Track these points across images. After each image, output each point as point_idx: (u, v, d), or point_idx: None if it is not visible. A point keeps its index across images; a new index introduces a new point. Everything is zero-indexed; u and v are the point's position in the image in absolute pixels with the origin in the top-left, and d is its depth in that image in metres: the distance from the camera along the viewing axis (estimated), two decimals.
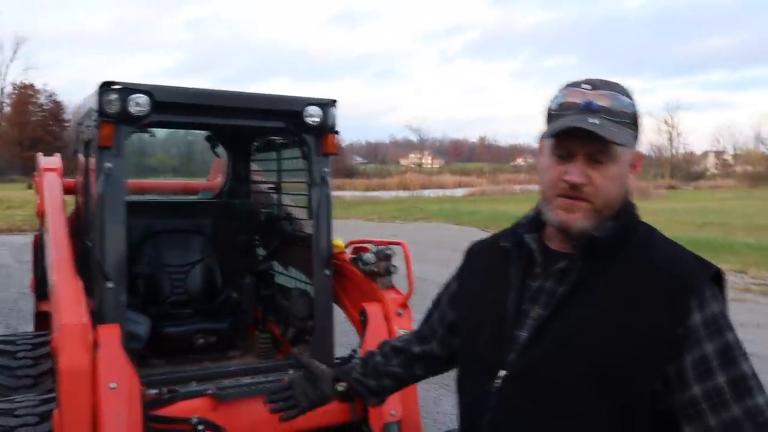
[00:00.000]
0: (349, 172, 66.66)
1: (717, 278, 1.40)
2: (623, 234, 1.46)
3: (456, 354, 1.72)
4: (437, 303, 1.89)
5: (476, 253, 1.77)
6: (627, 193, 1.50)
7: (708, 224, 22.71)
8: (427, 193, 45.38)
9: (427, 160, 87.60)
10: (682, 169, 72.70)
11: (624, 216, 1.49)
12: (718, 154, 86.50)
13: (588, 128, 1.37)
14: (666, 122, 74.21)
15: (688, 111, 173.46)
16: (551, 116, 1.48)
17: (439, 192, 45.66)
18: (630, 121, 1.43)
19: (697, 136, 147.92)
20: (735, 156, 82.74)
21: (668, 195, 44.97)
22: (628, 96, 1.45)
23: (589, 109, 1.41)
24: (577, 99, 1.43)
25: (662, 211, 29.78)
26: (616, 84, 1.47)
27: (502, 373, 1.46)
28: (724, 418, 1.30)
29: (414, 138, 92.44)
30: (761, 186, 56.77)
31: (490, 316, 1.55)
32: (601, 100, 1.42)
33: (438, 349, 1.87)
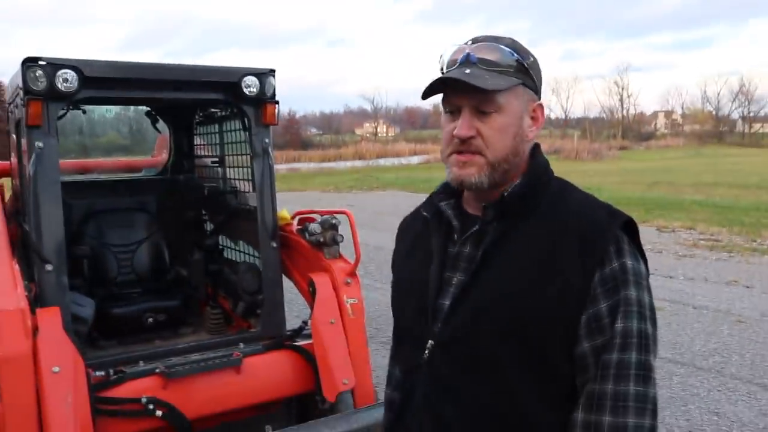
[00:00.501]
0: (305, 144, 66.15)
1: (627, 227, 1.40)
2: (533, 191, 1.45)
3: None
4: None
5: (405, 227, 1.75)
6: (524, 148, 1.48)
7: (658, 183, 23.23)
8: (383, 162, 45.38)
9: (382, 129, 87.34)
10: (633, 130, 73.94)
11: (532, 172, 1.48)
12: (668, 114, 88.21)
13: (458, 77, 1.37)
14: (616, 84, 75.34)
15: (638, 72, 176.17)
16: (441, 74, 1.48)
17: (395, 161, 45.72)
18: (513, 69, 1.42)
19: (647, 97, 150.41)
20: (683, 116, 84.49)
21: (621, 155, 45.82)
22: (515, 48, 1.44)
23: (467, 61, 1.41)
24: (457, 55, 1.44)
25: (614, 172, 30.38)
26: (504, 38, 1.47)
27: (430, 343, 1.46)
28: (602, 372, 1.32)
29: (368, 107, 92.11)
30: (708, 144, 58.27)
31: (415, 288, 1.53)
32: (480, 52, 1.42)
33: None
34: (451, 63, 1.44)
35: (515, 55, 1.42)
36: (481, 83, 1.36)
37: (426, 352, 1.46)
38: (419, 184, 24.50)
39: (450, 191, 1.55)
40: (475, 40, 1.46)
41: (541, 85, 1.49)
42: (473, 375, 1.40)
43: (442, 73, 1.47)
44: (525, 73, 1.43)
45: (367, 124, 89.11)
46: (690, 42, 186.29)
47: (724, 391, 5.32)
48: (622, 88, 75.22)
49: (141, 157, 6.63)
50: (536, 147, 1.54)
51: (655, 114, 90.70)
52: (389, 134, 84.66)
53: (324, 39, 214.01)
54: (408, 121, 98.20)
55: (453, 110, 1.44)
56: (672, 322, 7.20)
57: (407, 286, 1.60)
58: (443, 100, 1.46)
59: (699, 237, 12.55)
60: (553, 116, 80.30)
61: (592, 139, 58.19)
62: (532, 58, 1.46)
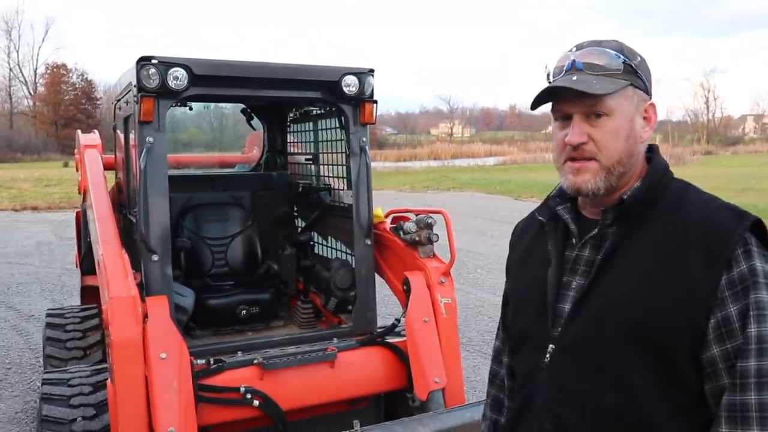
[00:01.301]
0: (380, 144, 66.50)
1: (755, 228, 1.35)
2: (652, 193, 1.43)
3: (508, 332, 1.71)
4: (506, 299, 1.79)
5: (519, 232, 1.75)
6: (639, 150, 1.45)
7: (747, 190, 22.23)
8: (458, 162, 45.16)
9: (458, 130, 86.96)
10: (719, 134, 71.07)
11: (652, 174, 1.45)
12: (757, 117, 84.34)
13: (564, 84, 1.38)
14: (702, 86, 72.56)
15: (726, 74, 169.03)
16: (549, 84, 1.47)
17: (470, 161, 45.40)
18: (620, 71, 1.40)
19: (735, 100, 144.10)
20: None
21: (705, 160, 44.11)
22: (620, 50, 1.43)
23: (573, 68, 1.41)
24: (563, 62, 1.44)
25: (699, 178, 29.10)
26: (608, 41, 1.45)
27: (551, 347, 1.45)
28: (742, 381, 1.28)
29: (444, 107, 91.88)
30: None
31: (534, 292, 1.53)
32: (585, 57, 1.41)
33: None
34: (557, 71, 1.45)
35: (621, 57, 1.41)
36: (588, 88, 1.36)
37: (547, 356, 1.46)
38: (496, 186, 24.28)
39: (566, 195, 1.54)
40: (579, 47, 1.46)
41: (651, 84, 1.47)
42: (596, 379, 1.38)
43: (549, 82, 1.47)
44: (633, 74, 1.42)
45: (443, 125, 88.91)
46: None
47: None
48: (708, 90, 72.43)
49: (228, 153, 6.82)
50: (654, 148, 1.51)
51: (743, 117, 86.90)
52: (464, 135, 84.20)
53: (403, 39, 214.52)
54: (484, 121, 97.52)
55: (563, 118, 1.44)
56: None
57: (525, 289, 1.59)
58: (552, 108, 1.46)
59: None
60: None
61: (675, 144, 56.26)
62: (639, 58, 1.44)
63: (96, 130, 5.81)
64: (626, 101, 1.41)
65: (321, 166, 4.59)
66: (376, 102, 3.72)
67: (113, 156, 4.93)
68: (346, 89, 3.60)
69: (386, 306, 5.90)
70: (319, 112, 4.50)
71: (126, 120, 3.87)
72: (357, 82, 3.61)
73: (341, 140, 4.00)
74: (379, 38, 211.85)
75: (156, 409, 2.85)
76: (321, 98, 3.75)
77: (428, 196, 21.75)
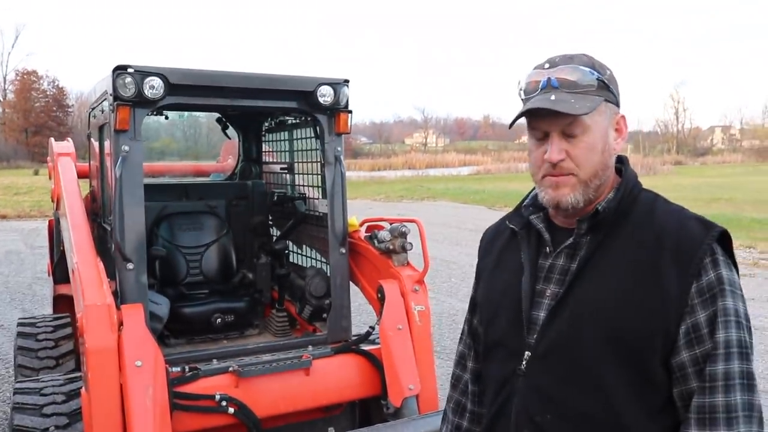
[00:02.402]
0: (355, 153, 66.55)
1: (722, 237, 1.41)
2: (624, 204, 1.48)
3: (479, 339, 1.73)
4: (473, 307, 1.84)
5: (489, 238, 1.77)
6: (612, 162, 1.51)
7: (716, 200, 22.67)
8: (432, 172, 45.37)
9: (432, 140, 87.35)
10: (689, 145, 72.27)
11: (624, 186, 1.51)
12: (725, 129, 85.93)
13: (544, 106, 1.41)
14: (672, 97, 73.84)
15: (694, 86, 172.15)
16: (522, 101, 1.51)
17: (445, 171, 45.66)
18: (594, 87, 1.44)
19: (704, 111, 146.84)
20: (742, 131, 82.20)
21: (675, 170, 44.84)
22: (591, 65, 1.46)
23: (549, 86, 1.44)
24: (538, 78, 1.47)
25: (669, 188, 29.62)
26: (579, 56, 1.48)
27: (527, 354, 1.49)
28: (711, 384, 1.34)
29: (418, 117, 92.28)
30: None
31: (507, 300, 1.56)
32: (560, 74, 1.44)
33: None
34: (532, 88, 1.47)
35: (594, 73, 1.45)
36: (568, 109, 1.40)
37: (523, 363, 1.49)
38: (470, 195, 24.43)
39: (539, 204, 1.58)
40: (552, 63, 1.48)
41: (619, 95, 1.52)
42: (572, 385, 1.43)
43: (521, 98, 1.50)
44: (605, 88, 1.46)
45: (417, 134, 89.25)
46: (749, 54, 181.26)
47: None
48: (678, 102, 73.71)
49: (203, 162, 6.82)
50: (624, 159, 1.56)
51: (711, 129, 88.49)
52: (439, 144, 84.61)
53: (376, 49, 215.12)
54: (458, 131, 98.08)
55: (541, 136, 1.47)
56: None
57: (498, 298, 1.62)
58: (529, 125, 1.49)
59: (759, 256, 12.22)
60: None
61: (645, 154, 57.10)
62: (609, 72, 1.48)
63: (69, 138, 5.77)
64: (600, 117, 1.45)
65: (296, 176, 4.62)
66: (350, 112, 3.77)
67: (87, 164, 4.91)
68: (321, 99, 3.65)
69: (361, 315, 5.93)
70: (294, 121, 4.53)
71: (101, 128, 3.87)
72: (332, 92, 3.66)
73: (316, 150, 4.04)
74: (354, 48, 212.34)
75: (131, 417, 2.85)
76: (296, 108, 3.79)
77: (402, 206, 21.85)
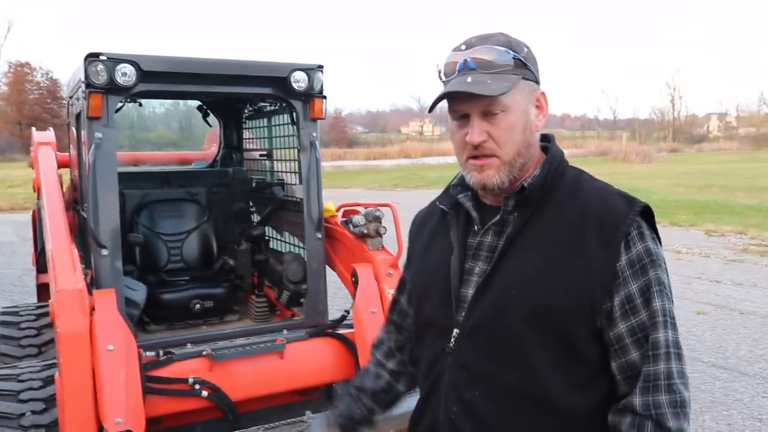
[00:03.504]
0: (350, 142, 66.49)
1: (645, 213, 1.44)
2: (550, 181, 1.50)
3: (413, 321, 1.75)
4: (402, 286, 1.88)
5: (420, 221, 1.79)
6: (535, 139, 1.52)
7: (709, 186, 22.74)
8: (428, 160, 45.39)
9: (428, 128, 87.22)
10: (685, 132, 72.32)
11: (550, 163, 1.53)
12: (721, 116, 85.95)
13: (461, 89, 1.42)
14: (668, 85, 73.86)
15: (691, 73, 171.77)
16: (443, 83, 1.52)
17: (440, 160, 45.64)
18: (511, 66, 1.45)
19: (700, 98, 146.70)
20: (738, 118, 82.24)
21: (670, 158, 44.90)
22: (507, 44, 1.46)
23: (465, 68, 1.45)
24: (456, 59, 1.47)
25: (664, 174, 29.79)
26: (495, 35, 1.49)
27: (455, 332, 1.51)
28: (649, 351, 1.38)
29: (414, 106, 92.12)
30: (764, 148, 56.54)
31: (437, 279, 1.58)
32: (475, 55, 1.45)
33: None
34: (450, 71, 1.48)
35: (510, 52, 1.45)
36: (484, 90, 1.41)
37: (452, 340, 1.51)
38: None
39: (466, 184, 1.59)
40: (468, 44, 1.48)
41: (539, 72, 1.52)
42: (499, 360, 1.45)
43: (441, 80, 1.51)
44: (522, 66, 1.47)
45: (413, 123, 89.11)
46: (746, 42, 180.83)
47: None
48: (674, 89, 73.71)
49: (191, 150, 6.83)
50: (550, 137, 1.58)
51: (708, 116, 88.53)
52: (435, 133, 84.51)
53: (374, 39, 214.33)
54: None
55: (461, 117, 1.48)
56: (717, 326, 7.10)
57: (428, 277, 1.64)
58: (450, 108, 1.50)
59: (750, 242, 12.28)
60: (601, 117, 79.06)
61: (641, 141, 57.12)
62: (525, 50, 1.49)
63: (51, 128, 5.78)
64: (519, 95, 1.46)
65: (275, 162, 4.64)
66: (325, 97, 3.78)
67: (68, 154, 4.93)
68: (295, 85, 3.66)
69: (339, 299, 5.96)
70: (272, 108, 4.55)
71: (78, 116, 3.89)
72: (306, 77, 3.67)
73: (293, 136, 4.05)
74: (350, 36, 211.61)
75: (103, 401, 2.87)
76: (271, 94, 3.79)
77: (396, 194, 21.84)
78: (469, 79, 1.43)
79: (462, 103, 1.46)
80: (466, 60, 1.45)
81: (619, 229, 1.40)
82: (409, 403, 3.22)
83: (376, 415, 1.88)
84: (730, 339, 6.69)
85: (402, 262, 1.95)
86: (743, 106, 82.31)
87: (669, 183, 23.92)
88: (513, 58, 1.46)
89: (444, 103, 1.50)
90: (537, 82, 1.51)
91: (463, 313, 1.50)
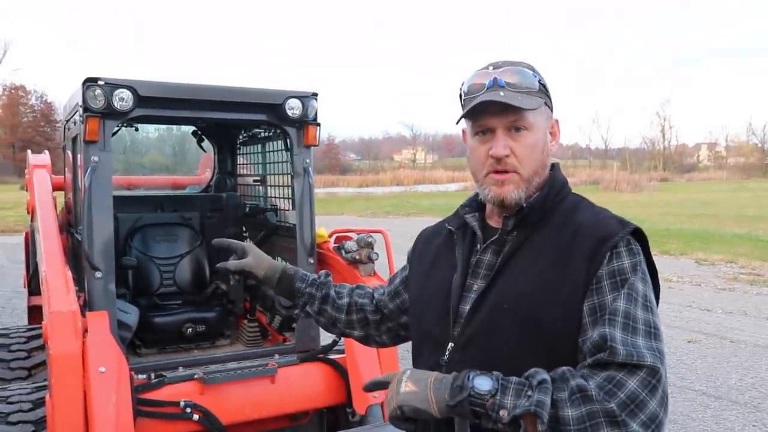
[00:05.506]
0: (343, 169, 66.71)
1: (636, 234, 1.48)
2: (550, 203, 1.55)
3: (404, 332, 1.87)
4: (392, 280, 1.99)
5: (425, 239, 1.85)
6: (549, 162, 1.59)
7: (699, 216, 22.86)
8: (420, 188, 45.51)
9: (421, 156, 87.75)
10: (675, 162, 72.95)
11: (550, 186, 1.58)
12: (711, 146, 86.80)
13: (497, 99, 1.48)
14: (658, 115, 74.62)
15: (680, 104, 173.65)
16: (464, 101, 1.58)
17: (433, 187, 45.84)
18: (536, 89, 1.53)
19: (690, 128, 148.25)
20: (727, 148, 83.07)
21: (661, 187, 45.20)
22: (533, 70, 1.56)
23: (496, 85, 1.51)
24: (484, 80, 1.54)
25: (654, 203, 29.97)
26: (520, 62, 1.58)
27: (450, 345, 1.55)
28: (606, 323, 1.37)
29: (407, 134, 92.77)
30: (754, 177, 57.10)
31: (439, 296, 1.63)
32: (506, 76, 1.52)
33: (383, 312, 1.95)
34: (477, 88, 1.54)
35: (537, 75, 1.55)
36: (518, 103, 1.48)
37: (446, 353, 1.56)
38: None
39: (476, 206, 1.66)
40: (496, 66, 1.56)
41: (552, 102, 1.61)
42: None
43: (463, 97, 1.58)
44: (545, 93, 1.56)
45: (406, 151, 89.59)
46: (736, 73, 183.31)
47: (760, 427, 5.22)
48: (664, 119, 74.44)
49: (184, 175, 6.87)
50: (555, 165, 1.64)
51: (697, 146, 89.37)
52: (427, 161, 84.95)
53: (368, 65, 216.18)
54: (446, 148, 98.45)
55: (484, 132, 1.54)
56: (708, 355, 7.12)
57: (431, 294, 1.69)
58: (474, 122, 1.56)
59: (740, 271, 12.33)
60: (593, 146, 79.71)
61: (632, 170, 57.55)
62: (544, 79, 1.58)
63: (47, 151, 5.81)
64: (541, 117, 1.55)
65: (268, 188, 4.68)
66: (319, 125, 3.84)
67: (63, 177, 4.96)
68: (289, 112, 3.72)
69: None
70: (266, 134, 4.60)
71: (74, 140, 3.93)
72: (300, 105, 3.73)
73: (287, 162, 4.10)
74: (343, 64, 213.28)
75: (94, 423, 2.87)
76: (266, 120, 3.85)
77: (388, 222, 21.92)
78: (501, 93, 1.49)
79: (490, 117, 1.52)
80: (496, 78, 1.52)
81: (606, 243, 1.44)
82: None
83: (300, 299, 2.03)
84: (720, 367, 6.71)
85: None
86: (732, 136, 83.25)
87: (659, 212, 24.07)
88: (538, 81, 1.54)
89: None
90: (552, 110, 1.60)
91: (459, 328, 1.55)
